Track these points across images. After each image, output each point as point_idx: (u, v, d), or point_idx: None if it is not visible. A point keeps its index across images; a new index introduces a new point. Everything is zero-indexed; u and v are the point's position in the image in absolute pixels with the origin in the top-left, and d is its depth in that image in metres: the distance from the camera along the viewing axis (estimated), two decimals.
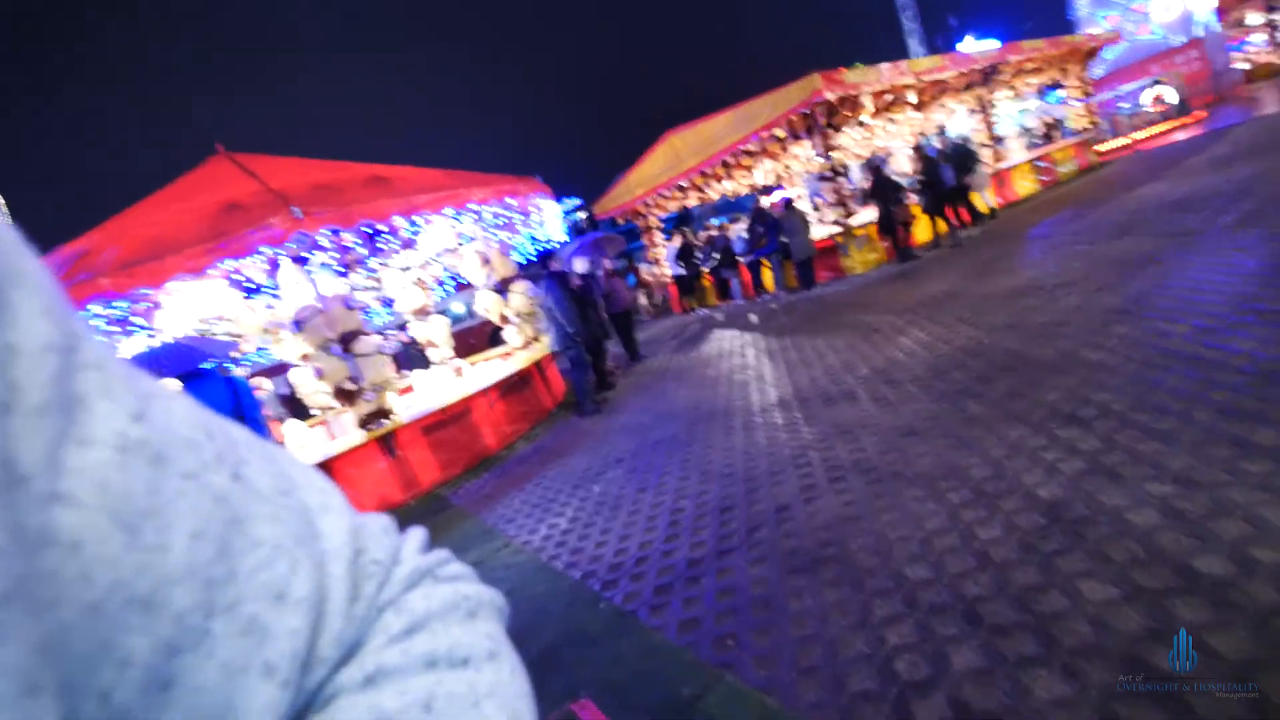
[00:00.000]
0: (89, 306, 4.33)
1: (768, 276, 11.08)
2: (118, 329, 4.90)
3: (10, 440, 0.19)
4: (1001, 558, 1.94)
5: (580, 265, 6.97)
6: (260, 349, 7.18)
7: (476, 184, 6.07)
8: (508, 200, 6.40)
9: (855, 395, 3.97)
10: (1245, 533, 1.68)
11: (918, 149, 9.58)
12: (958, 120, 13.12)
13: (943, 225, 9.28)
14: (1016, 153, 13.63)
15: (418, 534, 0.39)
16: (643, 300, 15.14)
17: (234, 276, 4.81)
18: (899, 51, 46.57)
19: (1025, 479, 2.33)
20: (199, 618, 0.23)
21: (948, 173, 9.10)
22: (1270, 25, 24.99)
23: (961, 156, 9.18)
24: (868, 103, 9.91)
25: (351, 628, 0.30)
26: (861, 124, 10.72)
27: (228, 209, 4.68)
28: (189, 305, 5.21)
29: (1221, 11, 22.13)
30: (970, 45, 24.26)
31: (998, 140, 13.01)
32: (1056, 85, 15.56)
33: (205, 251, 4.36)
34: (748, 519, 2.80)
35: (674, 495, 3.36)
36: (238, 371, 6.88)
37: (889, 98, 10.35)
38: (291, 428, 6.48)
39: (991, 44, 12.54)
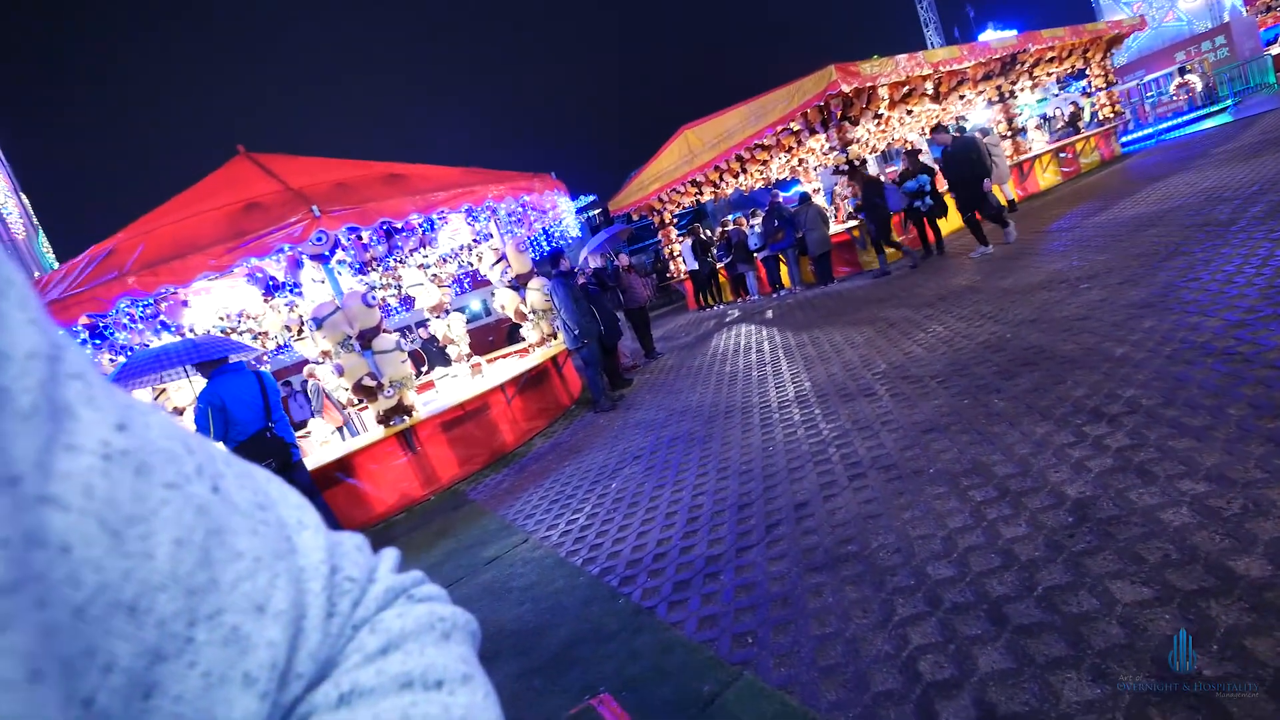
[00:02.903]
0: (118, 304, 4.43)
1: (784, 272, 11.01)
2: (143, 325, 5.01)
3: (1, 441, 0.19)
4: (1028, 556, 1.90)
5: (595, 262, 6.99)
6: (283, 346, 7.30)
7: (493, 181, 6.09)
8: (524, 197, 6.41)
9: (874, 391, 3.93)
10: None
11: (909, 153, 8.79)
12: (976, 112, 12.90)
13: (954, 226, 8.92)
14: (1038, 144, 13.37)
15: (391, 554, 0.40)
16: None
17: (256, 275, 4.89)
18: (917, 43, 45.91)
19: (1051, 476, 2.29)
20: (182, 625, 0.23)
21: (894, 196, 8.62)
22: None
23: (970, 155, 7.35)
24: (884, 94, 9.78)
25: (327, 643, 0.31)
26: (878, 116, 10.58)
27: (249, 208, 4.74)
28: (214, 302, 5.29)
29: None
30: (990, 35, 23.79)
31: (1018, 131, 12.77)
32: (1079, 74, 15.22)
33: (227, 250, 4.43)
34: (766, 516, 2.78)
35: (691, 491, 3.36)
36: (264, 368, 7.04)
37: (906, 89, 10.20)
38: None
39: (1010, 34, 12.25)
